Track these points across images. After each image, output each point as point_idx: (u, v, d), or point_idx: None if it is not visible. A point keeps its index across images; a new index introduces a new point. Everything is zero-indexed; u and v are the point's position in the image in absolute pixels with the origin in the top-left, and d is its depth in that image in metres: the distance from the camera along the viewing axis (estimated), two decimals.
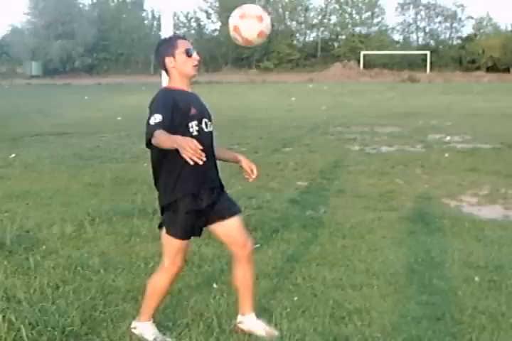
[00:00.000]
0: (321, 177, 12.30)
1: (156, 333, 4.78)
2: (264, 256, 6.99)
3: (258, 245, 7.37)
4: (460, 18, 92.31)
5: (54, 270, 6.32)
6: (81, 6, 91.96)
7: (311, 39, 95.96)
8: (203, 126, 4.59)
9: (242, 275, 4.89)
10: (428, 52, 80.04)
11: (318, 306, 5.49)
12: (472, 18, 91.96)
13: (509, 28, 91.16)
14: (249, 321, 4.92)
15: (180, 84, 4.62)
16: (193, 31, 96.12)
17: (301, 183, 11.62)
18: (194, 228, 4.71)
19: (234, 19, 4.67)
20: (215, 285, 6.03)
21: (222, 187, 4.85)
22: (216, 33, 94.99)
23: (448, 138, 18.10)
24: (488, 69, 79.10)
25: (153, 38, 78.77)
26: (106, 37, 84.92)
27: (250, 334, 4.86)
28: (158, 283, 4.78)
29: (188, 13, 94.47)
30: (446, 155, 14.81)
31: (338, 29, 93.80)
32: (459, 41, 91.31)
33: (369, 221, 8.62)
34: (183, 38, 4.68)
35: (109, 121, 23.33)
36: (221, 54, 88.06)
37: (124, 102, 33.17)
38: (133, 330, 4.80)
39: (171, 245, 4.68)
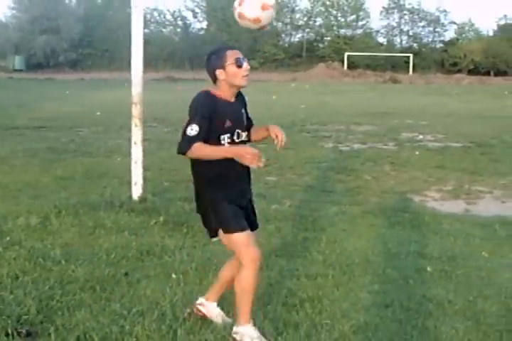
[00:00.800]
0: (291, 173, 12.45)
1: (259, 335, 4.67)
2: (225, 247, 7.08)
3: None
4: (443, 23, 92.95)
5: (15, 261, 6.37)
6: (67, 2, 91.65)
7: (297, 40, 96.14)
8: (235, 137, 4.59)
9: (230, 275, 4.92)
10: (411, 55, 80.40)
11: (272, 295, 5.62)
12: (454, 23, 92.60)
13: (490, 33, 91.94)
14: (209, 307, 5.02)
15: (226, 95, 4.60)
16: (179, 29, 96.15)
17: (270, 178, 11.76)
18: (243, 218, 4.62)
19: (236, 10, 4.66)
20: (173, 276, 6.12)
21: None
22: (202, 32, 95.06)
23: (420, 136, 18.33)
24: (470, 72, 79.62)
25: None
26: (91, 33, 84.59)
27: (203, 322, 4.98)
28: (244, 281, 4.59)
29: (174, 11, 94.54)
30: (417, 153, 15.00)
31: (324, 31, 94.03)
32: (442, 45, 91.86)
33: (332, 214, 8.79)
34: (232, 48, 4.62)
35: (88, 116, 23.33)
36: (207, 52, 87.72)
37: (105, 98, 33.19)
38: (234, 336, 4.68)
39: (236, 242, 4.59)
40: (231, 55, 4.51)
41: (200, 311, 5.02)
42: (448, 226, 8.23)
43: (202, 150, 4.33)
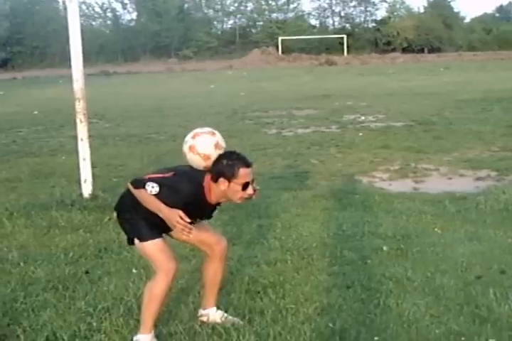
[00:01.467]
0: None
1: None
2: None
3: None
4: (374, 2, 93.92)
5: None
6: None
7: (229, 26, 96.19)
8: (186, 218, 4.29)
9: (212, 273, 4.88)
10: (344, 36, 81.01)
11: (234, 283, 5.70)
12: (385, 1, 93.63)
13: (422, 10, 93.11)
14: (210, 314, 4.97)
15: (213, 198, 4.46)
16: (109, 22, 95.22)
17: None
18: (158, 226, 4.50)
19: (187, 143, 4.47)
20: (134, 271, 6.18)
21: None
22: (133, 23, 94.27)
23: (362, 118, 18.51)
24: (404, 51, 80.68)
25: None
26: (19, 30, 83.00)
27: (170, 314, 5.04)
28: (154, 290, 4.52)
29: (103, 3, 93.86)
30: (360, 134, 15.19)
31: (255, 16, 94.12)
32: (374, 24, 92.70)
33: (284, 200, 8.88)
34: (249, 165, 4.37)
35: (26, 116, 23.00)
36: (139, 44, 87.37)
37: (40, 96, 32.72)
38: None
39: (150, 250, 4.54)
40: (242, 176, 4.32)
41: (204, 322, 4.94)
42: (399, 205, 8.37)
43: (145, 198, 4.29)
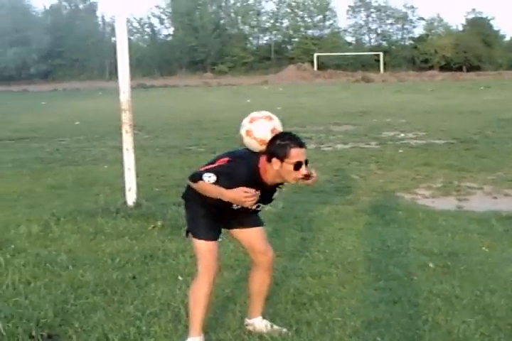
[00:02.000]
0: None
1: None
2: (226, 249, 7.17)
3: (220, 239, 7.59)
4: (411, 20, 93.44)
5: (24, 267, 6.52)
6: (34, 13, 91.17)
7: (265, 42, 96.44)
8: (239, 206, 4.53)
9: (259, 283, 4.93)
10: (381, 53, 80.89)
11: (280, 294, 5.73)
12: (423, 19, 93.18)
13: (460, 28, 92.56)
14: (256, 323, 5.00)
15: (268, 179, 4.51)
16: (146, 36, 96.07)
17: None
18: (216, 229, 4.68)
19: (244, 127, 4.67)
20: (180, 278, 6.24)
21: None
22: (170, 38, 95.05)
23: (402, 134, 18.48)
24: (442, 69, 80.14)
25: (107, 43, 78.46)
26: (60, 43, 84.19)
27: (217, 321, 5.09)
28: (197, 291, 4.63)
29: (141, 18, 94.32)
30: (401, 151, 15.16)
31: (291, 32, 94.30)
32: (411, 42, 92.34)
33: (326, 214, 8.89)
34: (302, 145, 4.41)
35: (68, 126, 23.32)
36: (175, 58, 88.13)
37: (81, 107, 33.16)
38: None
39: (200, 248, 4.65)
40: (294, 156, 4.35)
41: (250, 332, 4.97)
42: (444, 223, 8.32)
43: (204, 186, 4.38)
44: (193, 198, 4.65)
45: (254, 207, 4.55)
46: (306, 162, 4.44)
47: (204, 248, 4.63)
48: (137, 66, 79.81)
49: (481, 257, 6.85)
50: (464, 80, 59.74)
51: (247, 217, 4.80)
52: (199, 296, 4.61)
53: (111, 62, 69.45)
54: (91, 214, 8.69)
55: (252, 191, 4.27)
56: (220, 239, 4.73)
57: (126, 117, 9.31)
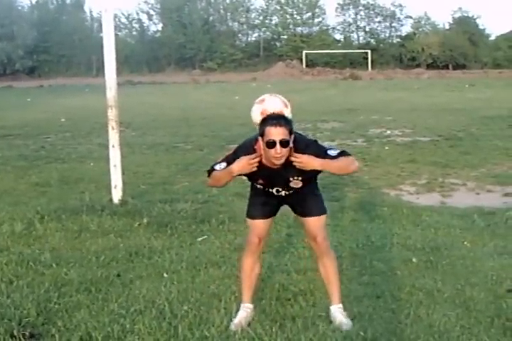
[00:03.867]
0: None
1: (239, 316, 5.06)
2: (212, 246, 7.25)
3: (205, 236, 7.63)
4: (399, 18, 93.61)
5: (6, 266, 6.50)
6: (20, 8, 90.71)
7: (254, 39, 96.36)
8: (274, 191, 4.95)
9: (322, 269, 5.20)
10: (369, 51, 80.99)
11: (265, 290, 5.75)
12: (411, 17, 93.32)
13: (447, 27, 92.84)
14: (331, 312, 5.11)
15: (263, 159, 4.73)
16: (134, 32, 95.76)
17: (246, 178, 11.84)
18: (259, 210, 5.08)
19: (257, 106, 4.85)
20: (165, 275, 6.26)
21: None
22: (158, 34, 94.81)
23: (388, 132, 18.56)
24: (428, 67, 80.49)
25: (94, 39, 78.08)
26: (46, 39, 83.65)
27: (202, 318, 5.09)
28: (241, 260, 5.22)
29: (129, 14, 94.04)
30: (387, 148, 15.23)
31: (280, 29, 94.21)
32: (399, 40, 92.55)
33: None
34: (276, 125, 4.54)
35: (53, 123, 23.20)
36: (164, 55, 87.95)
37: (67, 104, 33.00)
38: None
39: (248, 224, 5.18)
40: (267, 134, 4.55)
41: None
42: (427, 218, 8.38)
43: (215, 175, 4.80)
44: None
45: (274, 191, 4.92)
46: (284, 143, 4.52)
47: (249, 224, 5.14)
48: (125, 62, 79.63)
49: (463, 252, 6.91)
50: (449, 78, 59.99)
51: (302, 205, 5.08)
52: (241, 266, 5.17)
53: (98, 58, 69.24)
54: (76, 211, 8.67)
55: (252, 156, 4.61)
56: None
57: (112, 114, 9.31)
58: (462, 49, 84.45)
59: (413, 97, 33.68)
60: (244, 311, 5.12)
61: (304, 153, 4.60)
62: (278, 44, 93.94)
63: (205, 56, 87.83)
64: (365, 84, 50.58)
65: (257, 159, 4.63)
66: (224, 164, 4.74)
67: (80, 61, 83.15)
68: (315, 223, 5.09)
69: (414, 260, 6.58)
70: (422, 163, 13.02)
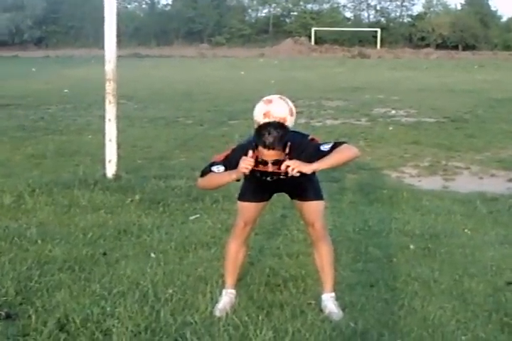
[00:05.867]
0: None
1: (223, 301, 4.89)
2: (204, 225, 7.03)
3: (198, 215, 7.41)
4: None
5: None
6: None
7: (263, 15, 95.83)
8: (268, 178, 4.65)
9: (317, 255, 5.00)
10: (379, 30, 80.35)
11: (254, 274, 5.54)
12: None
13: (458, 7, 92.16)
14: (322, 301, 4.93)
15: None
16: (144, 5, 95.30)
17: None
18: (250, 194, 4.87)
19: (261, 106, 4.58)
20: (152, 255, 6.05)
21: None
22: (168, 8, 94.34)
23: (393, 111, 18.28)
24: (438, 47, 79.81)
25: (103, 11, 77.36)
26: (56, 10, 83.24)
27: (186, 303, 4.88)
28: (226, 246, 5.08)
29: None
30: (390, 128, 14.96)
31: (290, 5, 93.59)
32: (410, 19, 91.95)
33: None
34: (270, 147, 4.31)
35: (56, 94, 23.02)
36: (173, 28, 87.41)
37: (72, 75, 32.75)
38: None
39: (238, 207, 4.99)
40: (260, 153, 4.38)
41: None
42: (428, 203, 8.13)
43: (211, 178, 4.56)
44: None
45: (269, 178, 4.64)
46: (276, 162, 4.40)
47: (239, 206, 4.94)
48: (133, 35, 79.26)
49: (463, 240, 6.68)
50: (459, 59, 59.48)
51: (298, 190, 4.85)
52: (226, 250, 5.03)
53: None
54: (68, 185, 8.45)
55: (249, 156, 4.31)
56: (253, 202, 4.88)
57: (110, 87, 9.10)
58: (473, 30, 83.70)
59: (421, 77, 33.35)
60: (228, 296, 4.94)
61: (299, 157, 4.38)
62: (287, 20, 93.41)
63: (214, 30, 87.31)
64: (373, 63, 50.18)
65: (252, 160, 4.31)
66: (222, 168, 4.52)
67: (88, 32, 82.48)
68: (313, 207, 4.87)
69: (411, 247, 6.35)
70: (426, 144, 12.76)
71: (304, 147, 4.52)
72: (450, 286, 5.32)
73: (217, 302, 4.90)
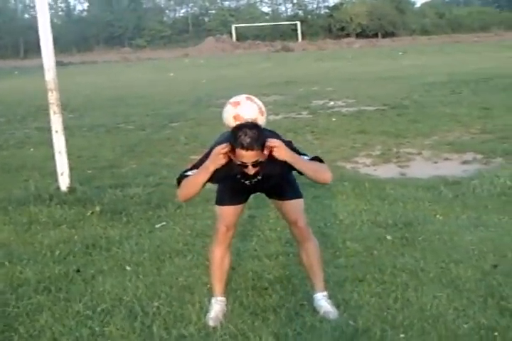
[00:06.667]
0: None
1: (214, 310, 4.75)
2: (173, 232, 6.87)
3: (164, 223, 7.24)
4: None
5: None
6: None
7: (181, 15, 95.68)
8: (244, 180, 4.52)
9: (304, 255, 4.87)
10: (298, 22, 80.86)
11: (238, 279, 5.42)
12: None
13: None
14: (314, 301, 4.81)
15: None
16: (61, 13, 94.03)
17: (195, 157, 11.39)
18: (227, 197, 4.72)
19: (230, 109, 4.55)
20: (128, 268, 5.87)
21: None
22: (85, 14, 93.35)
23: (331, 103, 18.26)
24: (358, 36, 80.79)
25: (20, 21, 76.21)
26: None
27: (176, 315, 4.73)
28: (209, 250, 4.90)
29: None
30: (334, 119, 14.93)
31: (207, 4, 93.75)
32: (327, 10, 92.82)
33: None
34: (248, 148, 4.12)
35: None
36: (92, 34, 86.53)
37: None
38: None
39: (215, 212, 4.84)
40: (239, 156, 4.17)
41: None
42: (392, 192, 8.07)
43: (188, 181, 4.40)
44: None
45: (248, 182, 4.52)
46: (256, 164, 4.22)
47: (217, 211, 4.79)
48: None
49: (437, 226, 6.64)
50: (380, 46, 60.32)
51: (277, 189, 4.78)
52: (210, 257, 4.85)
53: (26, 40, 67.66)
54: (22, 202, 8.17)
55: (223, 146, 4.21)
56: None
57: (53, 97, 8.89)
58: (390, 17, 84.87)
59: (348, 67, 33.53)
60: (219, 304, 4.79)
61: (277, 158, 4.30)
62: (206, 19, 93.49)
63: (134, 34, 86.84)
64: (298, 56, 50.36)
65: (227, 148, 4.20)
66: (195, 170, 4.39)
67: (6, 43, 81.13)
68: (293, 206, 4.77)
69: (388, 237, 6.28)
70: (373, 133, 12.74)
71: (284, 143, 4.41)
72: (439, 274, 5.27)
73: (207, 311, 4.76)
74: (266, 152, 4.22)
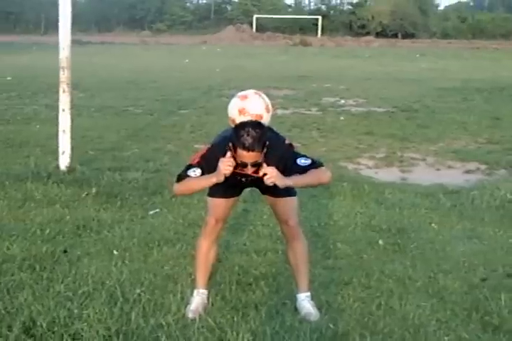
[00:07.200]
0: None
1: (195, 302, 4.71)
2: (165, 220, 6.84)
3: (158, 210, 7.21)
4: None
5: None
6: None
7: (205, 2, 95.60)
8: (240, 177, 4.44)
9: (291, 254, 4.83)
10: (320, 17, 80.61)
11: (223, 273, 5.38)
12: None
13: None
14: (297, 301, 4.76)
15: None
16: None
17: (198, 146, 11.37)
18: (221, 189, 4.57)
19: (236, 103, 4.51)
20: (115, 252, 5.83)
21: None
22: None
23: (342, 101, 18.20)
24: (378, 35, 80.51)
25: None
26: None
27: (156, 304, 4.69)
28: (196, 243, 4.89)
29: None
30: (342, 118, 14.87)
31: None
32: (350, 7, 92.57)
33: None
34: (249, 149, 4.08)
35: None
36: (113, 15, 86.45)
37: (14, 62, 31.84)
38: None
39: (207, 203, 4.79)
40: (239, 156, 4.14)
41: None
42: (390, 196, 8.01)
43: (189, 183, 4.36)
44: None
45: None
46: (255, 164, 4.18)
47: (209, 203, 4.75)
48: (73, 21, 77.72)
49: (431, 234, 6.59)
50: (399, 47, 60.10)
51: (271, 186, 4.46)
52: (197, 249, 4.83)
53: (47, 16, 67.63)
54: (20, 178, 8.17)
55: (227, 157, 4.17)
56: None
57: (64, 76, 8.88)
58: (412, 18, 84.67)
59: (365, 66, 33.42)
60: (200, 297, 4.76)
61: (273, 160, 4.26)
62: (229, 7, 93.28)
63: (155, 17, 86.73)
64: (316, 51, 50.23)
65: (232, 159, 4.18)
66: (199, 171, 4.33)
67: (28, 19, 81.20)
68: (286, 204, 4.72)
69: (380, 242, 6.23)
70: (379, 135, 12.67)
71: (280, 150, 4.39)
72: (425, 284, 5.22)
73: (188, 303, 4.73)
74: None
